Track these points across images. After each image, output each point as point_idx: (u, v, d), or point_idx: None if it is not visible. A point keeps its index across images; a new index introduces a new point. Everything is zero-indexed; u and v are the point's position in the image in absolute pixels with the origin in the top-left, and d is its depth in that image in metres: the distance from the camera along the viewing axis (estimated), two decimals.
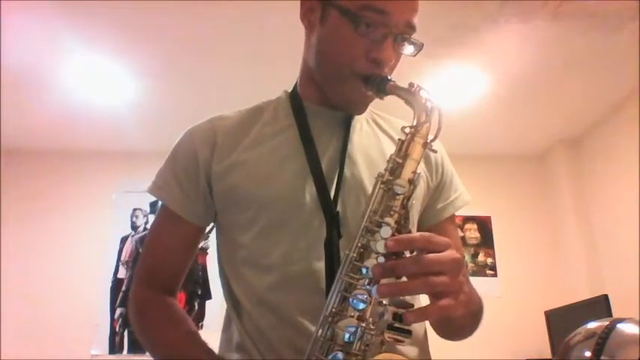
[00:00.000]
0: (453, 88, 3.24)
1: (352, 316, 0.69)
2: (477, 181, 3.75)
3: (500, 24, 2.65)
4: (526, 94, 3.30)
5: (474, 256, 3.90)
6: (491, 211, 3.98)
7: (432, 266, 0.65)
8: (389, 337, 0.65)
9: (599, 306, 2.68)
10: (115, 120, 3.48)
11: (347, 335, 0.68)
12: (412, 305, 0.67)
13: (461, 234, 3.92)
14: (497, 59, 3.00)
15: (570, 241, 3.76)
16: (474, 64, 3.04)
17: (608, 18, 2.61)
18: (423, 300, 0.73)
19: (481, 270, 3.85)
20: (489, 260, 3.89)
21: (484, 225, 3.97)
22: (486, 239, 3.94)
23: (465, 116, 3.49)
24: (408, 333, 0.65)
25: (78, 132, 3.65)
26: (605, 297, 2.72)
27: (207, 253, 3.51)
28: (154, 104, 3.36)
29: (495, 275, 3.84)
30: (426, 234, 0.69)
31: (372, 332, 0.68)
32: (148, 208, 3.80)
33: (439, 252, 0.67)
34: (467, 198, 1.02)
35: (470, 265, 3.86)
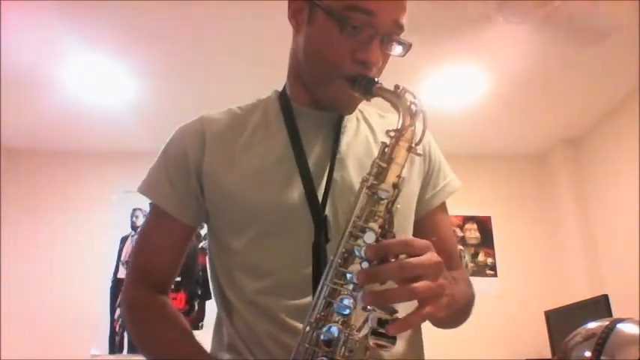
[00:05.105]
0: (453, 87, 3.24)
1: (337, 322, 0.68)
2: (477, 181, 3.76)
3: (500, 24, 2.65)
4: (526, 94, 3.30)
5: (474, 256, 3.90)
6: (492, 211, 3.98)
7: (414, 270, 0.65)
8: (373, 343, 0.65)
9: (599, 306, 2.68)
10: (115, 120, 3.48)
11: (331, 341, 0.68)
12: (396, 311, 0.66)
13: (461, 234, 3.92)
14: (497, 59, 3.00)
15: (570, 241, 3.76)
16: (474, 64, 3.04)
17: (608, 18, 2.61)
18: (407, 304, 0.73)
19: (481, 270, 3.85)
20: (489, 260, 3.89)
21: (484, 225, 3.97)
22: (486, 239, 3.94)
23: (465, 116, 3.49)
24: (393, 339, 0.65)
25: (78, 132, 3.65)
26: (605, 297, 2.72)
27: (207, 253, 3.51)
28: (153, 104, 3.36)
29: (495, 275, 3.84)
30: (405, 239, 0.69)
31: (357, 338, 0.68)
32: (147, 208, 3.79)
33: (419, 255, 0.67)
34: (456, 184, 1.02)
35: (470, 265, 3.86)
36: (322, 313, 0.70)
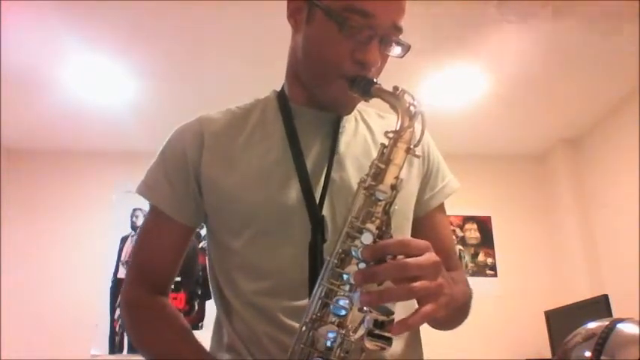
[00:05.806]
0: (453, 87, 3.24)
1: (333, 323, 0.68)
2: (477, 181, 3.76)
3: (500, 24, 2.65)
4: (526, 94, 3.30)
5: (474, 256, 3.90)
6: (492, 211, 3.98)
7: (412, 271, 0.65)
8: (369, 345, 0.65)
9: (599, 306, 2.68)
10: (115, 120, 3.48)
11: (327, 342, 0.68)
12: (393, 312, 0.66)
13: (461, 234, 3.92)
14: (497, 59, 3.00)
15: (570, 241, 3.76)
16: (475, 64, 3.04)
17: (608, 18, 2.61)
18: (405, 306, 0.73)
19: (481, 270, 3.85)
20: (489, 260, 3.89)
21: (484, 225, 3.97)
22: (486, 239, 3.94)
23: (466, 116, 3.49)
24: (389, 340, 0.65)
25: (78, 132, 3.65)
26: (605, 297, 2.72)
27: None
28: (153, 104, 3.36)
29: (495, 275, 3.84)
30: (403, 239, 0.69)
31: (352, 339, 0.67)
32: (148, 208, 3.79)
33: (417, 255, 0.66)
34: (455, 185, 1.01)
35: (470, 265, 3.86)
36: (318, 314, 0.70)
